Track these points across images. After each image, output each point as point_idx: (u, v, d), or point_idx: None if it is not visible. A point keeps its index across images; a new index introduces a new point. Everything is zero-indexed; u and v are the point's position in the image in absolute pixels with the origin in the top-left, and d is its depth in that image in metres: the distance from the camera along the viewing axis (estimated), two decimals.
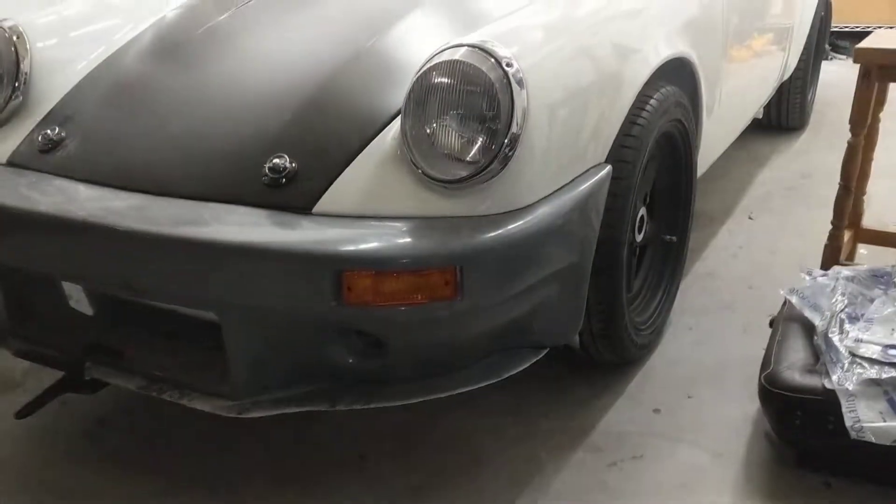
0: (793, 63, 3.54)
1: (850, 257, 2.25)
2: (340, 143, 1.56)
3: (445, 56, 1.47)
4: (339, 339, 1.53)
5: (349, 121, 1.60)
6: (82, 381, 1.69)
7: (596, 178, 1.64)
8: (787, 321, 1.83)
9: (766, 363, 1.73)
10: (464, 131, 1.47)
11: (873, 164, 2.32)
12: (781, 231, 2.83)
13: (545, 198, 1.53)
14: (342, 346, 1.53)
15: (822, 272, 1.92)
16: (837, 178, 3.07)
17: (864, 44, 1.88)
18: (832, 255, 2.11)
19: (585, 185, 1.61)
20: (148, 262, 1.51)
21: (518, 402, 1.90)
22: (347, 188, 1.51)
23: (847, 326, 1.62)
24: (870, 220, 2.45)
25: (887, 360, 1.51)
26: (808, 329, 1.76)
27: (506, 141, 1.43)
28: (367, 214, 1.48)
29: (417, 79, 1.47)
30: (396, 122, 1.54)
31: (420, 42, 1.81)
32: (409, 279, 1.39)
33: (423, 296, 1.40)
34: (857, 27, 5.62)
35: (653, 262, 2.14)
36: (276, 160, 1.54)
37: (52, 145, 1.79)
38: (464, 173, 1.45)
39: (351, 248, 1.39)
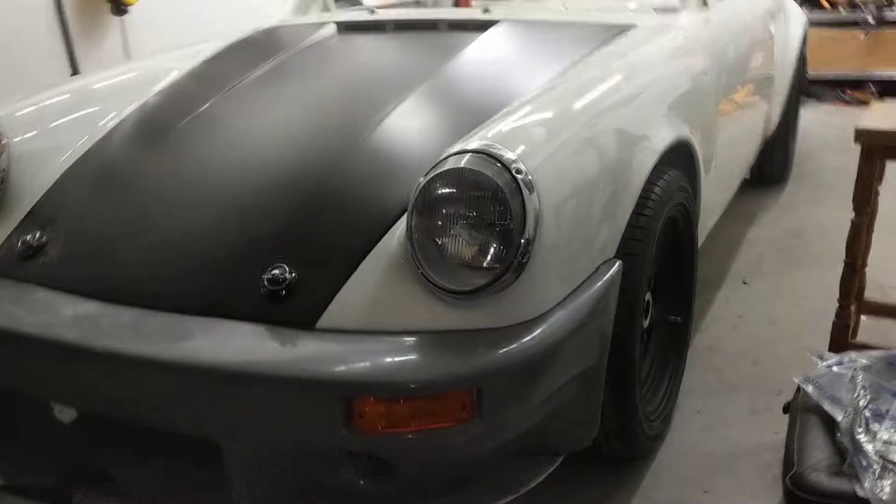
0: (777, 115, 3.54)
1: (855, 331, 2.20)
2: (342, 249, 1.49)
3: (449, 164, 1.40)
4: (347, 462, 1.44)
5: (350, 224, 1.53)
6: None
7: (608, 275, 1.58)
8: (805, 412, 1.77)
9: (788, 462, 1.67)
10: (474, 240, 1.40)
11: None
12: (778, 297, 2.79)
13: (560, 303, 1.46)
14: (350, 469, 1.44)
15: (835, 357, 1.87)
16: (827, 235, 3.10)
17: (865, 125, 1.85)
18: (840, 335, 2.06)
19: (599, 284, 1.55)
20: (142, 386, 1.42)
21: None
22: (352, 300, 1.43)
23: (873, 426, 1.56)
24: (871, 288, 2.40)
25: None
26: (828, 422, 1.70)
27: (519, 248, 1.37)
28: (375, 329, 1.40)
29: (421, 189, 1.40)
30: (399, 225, 1.48)
31: (417, 133, 1.76)
32: (425, 404, 1.31)
33: (439, 420, 1.32)
34: (830, 75, 5.68)
35: (658, 346, 2.08)
36: (275, 271, 1.46)
37: (33, 251, 1.69)
38: (477, 283, 1.38)
39: (362, 373, 1.32)
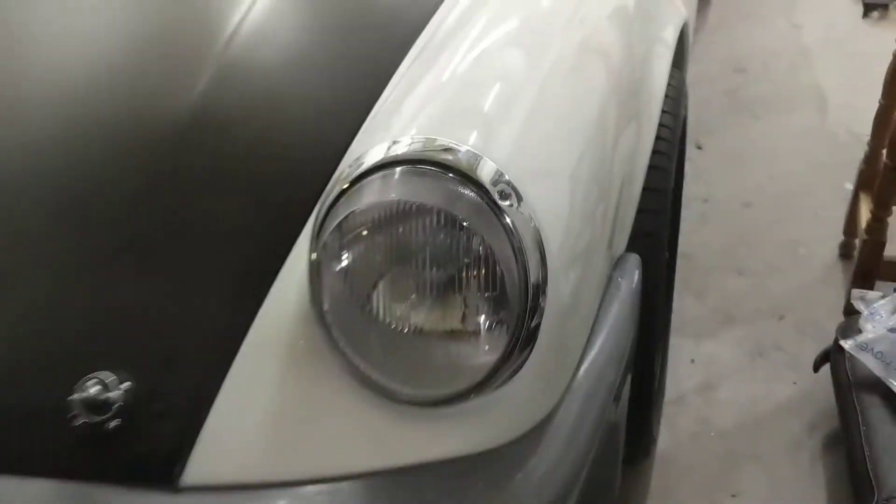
0: None
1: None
2: (202, 332, 0.84)
3: (374, 189, 0.76)
4: None
5: (213, 283, 0.86)
6: None
7: (623, 288, 1.01)
8: (862, 393, 1.33)
9: (858, 480, 1.25)
10: (445, 302, 0.79)
11: None
12: (744, 165, 2.30)
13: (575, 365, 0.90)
14: None
15: (888, 301, 1.42)
16: (773, 66, 2.77)
17: None
18: (872, 257, 1.60)
19: (615, 307, 0.98)
20: None
21: None
22: (232, 429, 0.80)
23: None
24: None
25: None
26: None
27: (526, 302, 0.77)
28: (281, 480, 0.80)
29: (329, 238, 0.76)
30: (288, 279, 0.83)
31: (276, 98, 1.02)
32: None
33: None
34: None
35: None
36: (92, 385, 0.80)
37: None
38: (460, 386, 0.78)
39: None
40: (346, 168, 0.79)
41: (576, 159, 0.91)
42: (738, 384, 1.63)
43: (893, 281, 1.63)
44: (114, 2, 1.24)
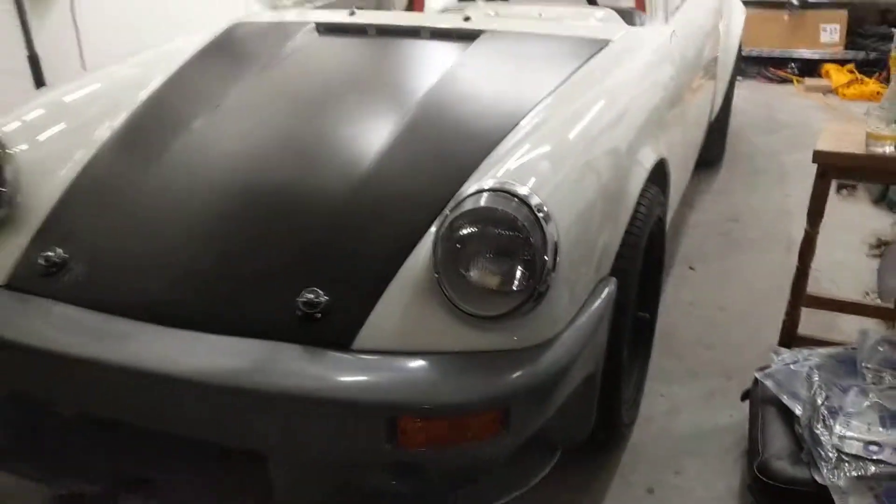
0: (720, 101, 3.77)
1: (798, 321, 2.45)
2: (368, 274, 1.60)
3: (469, 204, 1.53)
4: (382, 468, 1.59)
5: (372, 250, 1.64)
6: None
7: (605, 292, 1.75)
8: (765, 404, 2.02)
9: (752, 450, 1.92)
10: (498, 271, 1.55)
11: None
12: (724, 283, 3.05)
13: (570, 322, 1.64)
14: (384, 473, 1.60)
15: (789, 353, 2.12)
16: (761, 219, 3.43)
17: (821, 146, 2.07)
18: (790, 330, 2.33)
19: (598, 302, 1.72)
20: (192, 406, 1.53)
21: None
22: (383, 322, 1.56)
23: (829, 422, 1.81)
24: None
25: (869, 457, 1.70)
26: (786, 414, 1.95)
27: (541, 277, 1.52)
28: (405, 350, 1.54)
29: (445, 229, 1.53)
30: (420, 250, 1.60)
31: (426, 161, 1.85)
32: (460, 422, 1.47)
33: (472, 435, 1.49)
34: (755, 52, 6.00)
35: (630, 342, 2.29)
36: (309, 294, 1.57)
37: (55, 268, 1.73)
38: (500, 310, 1.53)
39: (406, 396, 1.46)
40: (462, 192, 1.58)
41: (582, 210, 1.68)
42: (692, 412, 2.31)
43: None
44: (297, 125, 2.08)
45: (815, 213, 2.16)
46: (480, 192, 1.55)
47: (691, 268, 3.18)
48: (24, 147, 1.92)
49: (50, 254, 1.75)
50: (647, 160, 2.01)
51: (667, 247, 3.24)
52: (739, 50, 4.31)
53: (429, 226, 1.62)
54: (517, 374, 1.50)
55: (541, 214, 1.53)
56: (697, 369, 2.52)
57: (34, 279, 1.74)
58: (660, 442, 2.21)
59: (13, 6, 3.42)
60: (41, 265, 1.74)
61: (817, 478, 1.73)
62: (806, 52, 5.98)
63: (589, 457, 2.12)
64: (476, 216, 1.54)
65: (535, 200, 1.53)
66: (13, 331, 1.63)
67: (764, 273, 3.08)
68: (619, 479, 2.08)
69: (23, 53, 3.52)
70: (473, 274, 1.54)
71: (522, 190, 1.54)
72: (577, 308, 1.67)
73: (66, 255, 1.75)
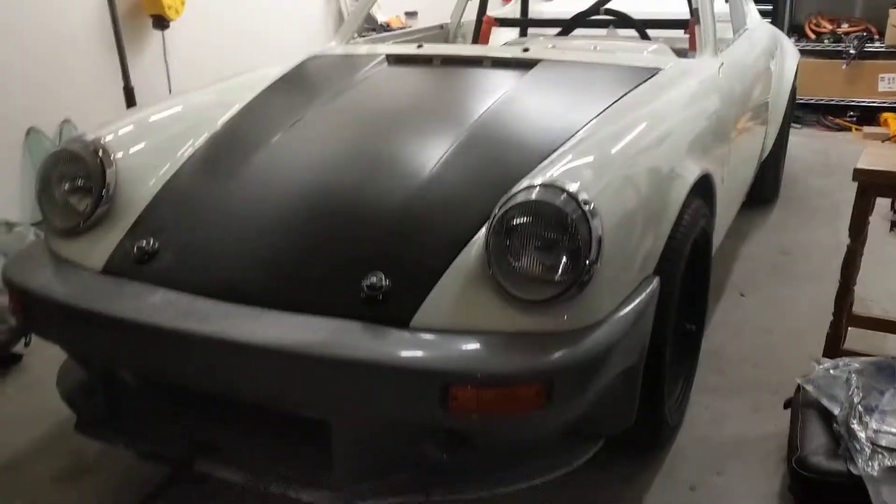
0: (771, 141, 3.87)
1: (844, 339, 2.52)
2: (427, 262, 1.77)
3: (521, 196, 1.69)
4: (433, 436, 1.73)
5: (432, 242, 1.81)
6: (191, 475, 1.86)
7: (648, 289, 1.88)
8: (805, 408, 2.09)
9: (792, 447, 1.99)
10: (546, 260, 1.69)
11: None
12: (773, 309, 3.12)
13: (612, 312, 1.76)
14: (435, 443, 1.74)
15: (830, 362, 2.19)
16: (813, 254, 3.46)
17: (862, 165, 2.17)
18: (833, 344, 2.40)
19: (642, 297, 1.85)
20: (268, 373, 1.69)
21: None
22: (438, 304, 1.71)
23: (865, 418, 1.88)
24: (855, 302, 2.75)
25: None
26: (825, 416, 2.02)
27: (584, 267, 1.66)
28: (459, 329, 1.68)
29: (498, 218, 1.68)
30: (474, 243, 1.76)
31: (482, 167, 2.02)
32: (508, 392, 1.60)
33: (519, 405, 1.62)
34: (813, 100, 6.09)
35: (676, 349, 2.39)
36: (373, 278, 1.74)
37: (147, 256, 1.94)
38: (547, 295, 1.67)
39: (459, 364, 1.60)
40: (514, 190, 1.73)
41: (624, 213, 1.82)
42: (736, 421, 2.39)
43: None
44: (369, 139, 2.27)
45: (857, 229, 2.25)
46: (531, 187, 1.71)
47: (742, 294, 3.26)
48: (119, 155, 2.14)
49: (143, 244, 1.96)
50: (691, 174, 2.14)
51: (719, 275, 3.38)
52: (793, 93, 4.41)
53: (481, 224, 1.78)
54: (561, 351, 1.63)
55: (587, 208, 1.67)
56: (743, 385, 2.59)
57: (129, 265, 1.95)
58: (704, 446, 2.29)
59: (114, 43, 3.75)
60: (135, 253, 1.95)
61: (852, 469, 1.80)
62: (864, 101, 6.02)
63: (634, 453, 2.22)
64: (527, 209, 1.69)
65: (582, 196, 1.68)
66: (111, 308, 1.83)
67: (812, 301, 3.14)
68: (662, 476, 2.16)
69: (119, 85, 3.83)
70: (523, 262, 1.69)
71: (571, 186, 1.69)
72: (620, 300, 1.80)
73: (157, 246, 1.96)
